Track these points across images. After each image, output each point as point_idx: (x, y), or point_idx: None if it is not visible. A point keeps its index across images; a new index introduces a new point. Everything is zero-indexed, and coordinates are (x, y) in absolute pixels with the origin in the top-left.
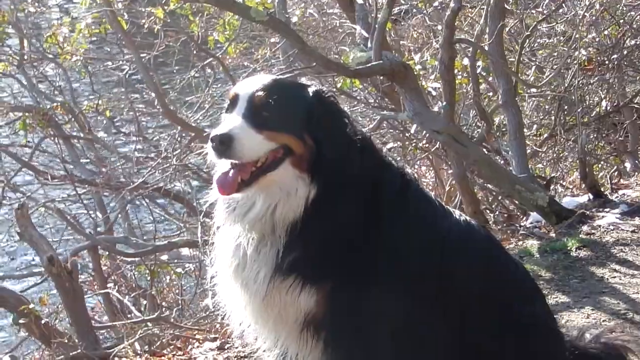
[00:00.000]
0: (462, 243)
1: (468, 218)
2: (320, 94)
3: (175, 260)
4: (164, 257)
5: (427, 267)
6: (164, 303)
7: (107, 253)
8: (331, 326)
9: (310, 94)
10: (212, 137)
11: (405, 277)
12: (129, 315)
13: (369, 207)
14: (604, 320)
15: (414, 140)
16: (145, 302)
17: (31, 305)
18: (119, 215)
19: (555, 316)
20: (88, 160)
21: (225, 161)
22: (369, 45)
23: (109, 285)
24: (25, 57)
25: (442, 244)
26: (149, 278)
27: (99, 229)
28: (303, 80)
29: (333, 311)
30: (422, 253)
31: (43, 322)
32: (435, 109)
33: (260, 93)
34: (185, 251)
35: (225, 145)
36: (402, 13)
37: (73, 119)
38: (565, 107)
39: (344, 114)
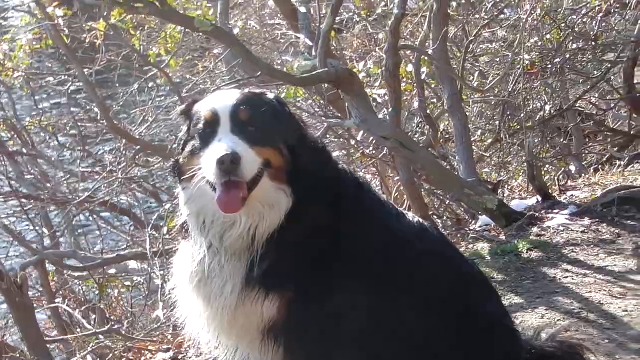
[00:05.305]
0: (418, 245)
1: (421, 220)
2: (283, 101)
3: (123, 274)
4: (112, 272)
5: (386, 270)
6: (112, 317)
7: (54, 269)
8: (291, 332)
9: (277, 103)
10: (221, 158)
11: (365, 281)
12: (78, 330)
13: (332, 213)
14: (558, 320)
15: (360, 148)
16: (94, 316)
17: None
18: (66, 231)
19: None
20: (32, 177)
21: (226, 180)
22: (314, 53)
23: (57, 300)
24: None
25: (399, 247)
26: (97, 292)
27: (45, 244)
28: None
29: (293, 317)
30: (381, 256)
31: None
32: (381, 115)
33: (243, 108)
34: (132, 264)
35: (235, 164)
36: (344, 22)
37: (16, 136)
38: (509, 112)
39: (301, 120)
